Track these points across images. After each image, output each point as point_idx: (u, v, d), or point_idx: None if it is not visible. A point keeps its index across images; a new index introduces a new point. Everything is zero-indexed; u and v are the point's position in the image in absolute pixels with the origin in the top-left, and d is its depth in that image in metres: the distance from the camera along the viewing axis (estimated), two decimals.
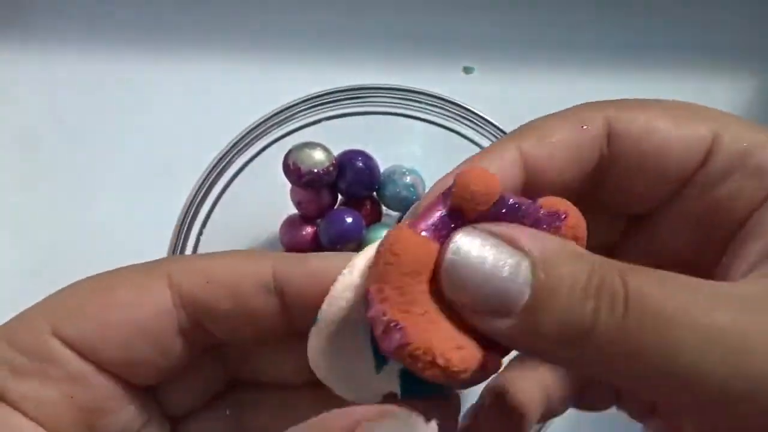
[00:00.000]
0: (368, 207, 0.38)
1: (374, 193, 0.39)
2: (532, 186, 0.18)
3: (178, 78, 0.47)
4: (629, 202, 0.19)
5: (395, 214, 0.41)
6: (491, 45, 0.48)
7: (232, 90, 0.46)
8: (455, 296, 0.15)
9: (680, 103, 0.19)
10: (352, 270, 0.16)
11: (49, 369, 0.16)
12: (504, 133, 0.35)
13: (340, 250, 0.36)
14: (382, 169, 0.38)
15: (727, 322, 0.13)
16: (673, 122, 0.18)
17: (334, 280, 0.16)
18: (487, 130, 0.35)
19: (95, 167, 0.45)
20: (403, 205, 0.38)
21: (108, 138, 0.45)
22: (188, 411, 0.19)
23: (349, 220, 0.36)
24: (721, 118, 0.18)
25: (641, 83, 0.48)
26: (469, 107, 0.35)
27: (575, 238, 0.16)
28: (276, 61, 0.47)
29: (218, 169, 0.35)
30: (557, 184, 0.18)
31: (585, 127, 0.18)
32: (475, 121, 0.35)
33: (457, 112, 0.36)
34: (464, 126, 0.36)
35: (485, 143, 0.35)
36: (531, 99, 0.47)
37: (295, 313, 0.17)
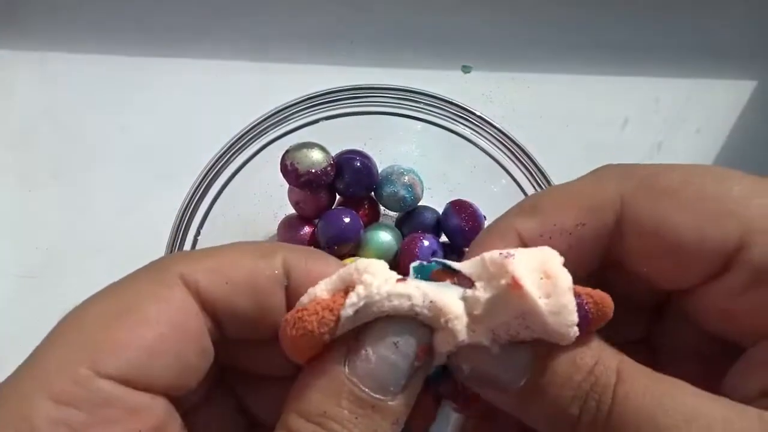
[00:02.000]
0: (366, 207, 0.38)
1: (372, 194, 0.39)
2: None
3: (176, 77, 0.47)
4: (647, 283, 0.18)
5: (393, 214, 0.41)
6: (489, 45, 0.48)
7: (231, 90, 0.46)
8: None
9: (707, 182, 0.17)
10: (330, 280, 0.17)
11: (108, 413, 0.15)
12: (502, 133, 0.35)
13: (338, 250, 0.36)
14: (380, 170, 0.38)
15: None
16: (693, 219, 0.16)
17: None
18: (485, 130, 0.35)
19: (93, 167, 0.45)
20: (400, 205, 0.38)
21: (105, 138, 0.45)
22: (194, 405, 0.19)
23: (347, 220, 0.36)
24: (753, 210, 0.16)
25: (641, 83, 0.48)
26: (467, 107, 0.35)
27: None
28: (274, 61, 0.47)
29: (216, 169, 0.35)
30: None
31: (582, 224, 0.17)
32: (473, 120, 0.35)
33: (455, 111, 0.35)
34: (462, 126, 0.36)
35: (483, 143, 0.35)
36: (529, 99, 0.47)
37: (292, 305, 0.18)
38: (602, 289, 0.17)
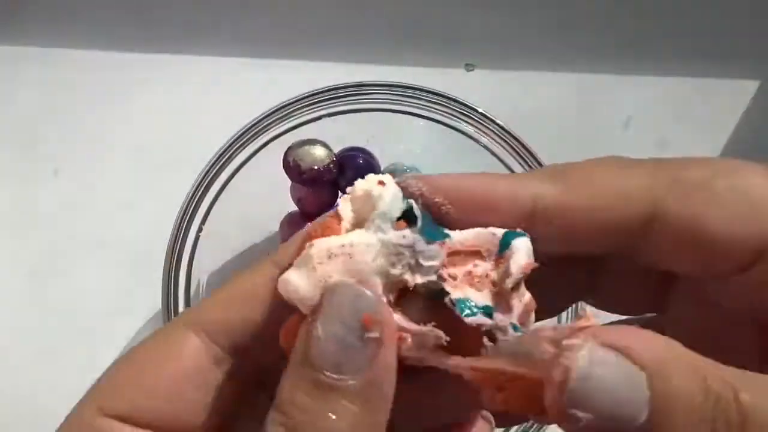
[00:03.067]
0: None
1: None
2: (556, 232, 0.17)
3: (179, 74, 0.47)
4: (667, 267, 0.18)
5: None
6: (493, 43, 0.48)
7: (233, 86, 0.46)
8: (570, 412, 0.14)
9: (738, 176, 0.16)
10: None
11: None
12: (505, 131, 0.35)
13: None
14: (382, 167, 0.38)
15: None
16: (726, 214, 0.16)
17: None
18: (488, 128, 0.35)
19: (95, 163, 0.45)
20: None
21: (107, 134, 0.45)
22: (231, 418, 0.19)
23: None
24: None
25: (644, 81, 0.48)
26: (470, 104, 0.35)
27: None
28: (276, 58, 0.47)
29: (218, 166, 0.35)
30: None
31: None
32: (476, 118, 0.35)
33: (458, 109, 0.35)
34: (465, 123, 0.35)
35: (486, 141, 0.35)
36: (532, 97, 0.47)
37: None
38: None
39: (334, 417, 0.14)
